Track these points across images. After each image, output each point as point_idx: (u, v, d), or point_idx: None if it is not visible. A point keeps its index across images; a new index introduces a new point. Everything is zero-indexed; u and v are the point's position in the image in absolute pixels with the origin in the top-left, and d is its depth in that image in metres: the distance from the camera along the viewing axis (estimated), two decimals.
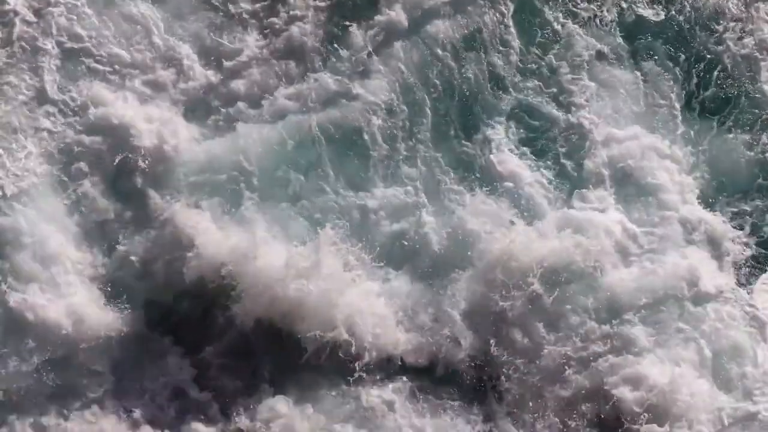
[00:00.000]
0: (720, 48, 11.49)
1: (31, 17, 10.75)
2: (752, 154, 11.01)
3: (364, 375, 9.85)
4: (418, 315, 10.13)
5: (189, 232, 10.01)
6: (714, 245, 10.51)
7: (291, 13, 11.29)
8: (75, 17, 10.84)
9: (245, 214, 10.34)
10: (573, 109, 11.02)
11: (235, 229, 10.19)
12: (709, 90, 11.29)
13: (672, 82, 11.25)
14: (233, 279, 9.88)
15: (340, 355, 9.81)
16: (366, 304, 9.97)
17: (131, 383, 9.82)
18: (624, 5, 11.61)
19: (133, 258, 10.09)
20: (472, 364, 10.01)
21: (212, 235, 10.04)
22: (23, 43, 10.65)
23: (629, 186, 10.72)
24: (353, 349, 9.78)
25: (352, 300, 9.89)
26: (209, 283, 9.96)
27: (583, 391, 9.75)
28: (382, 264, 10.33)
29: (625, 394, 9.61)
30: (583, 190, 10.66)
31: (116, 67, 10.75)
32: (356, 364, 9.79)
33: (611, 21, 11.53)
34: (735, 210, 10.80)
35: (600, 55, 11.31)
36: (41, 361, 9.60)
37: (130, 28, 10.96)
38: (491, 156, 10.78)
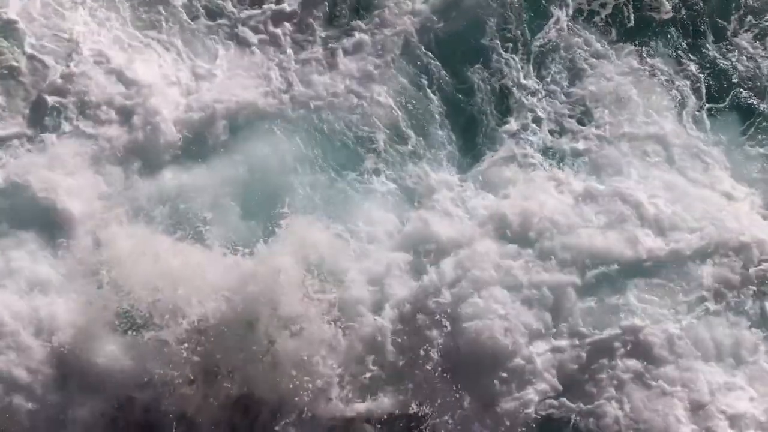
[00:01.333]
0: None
1: None
2: None
3: None
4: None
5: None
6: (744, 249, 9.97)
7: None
8: None
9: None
10: (585, 113, 10.71)
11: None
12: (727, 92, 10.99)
13: (686, 82, 10.94)
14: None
15: None
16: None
17: None
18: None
19: None
20: None
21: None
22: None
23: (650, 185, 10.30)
24: None
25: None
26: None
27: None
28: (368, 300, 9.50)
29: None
30: (608, 190, 10.21)
31: None
32: None
33: (614, 21, 11.26)
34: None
35: (604, 56, 10.99)
36: None
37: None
38: (501, 166, 10.39)
